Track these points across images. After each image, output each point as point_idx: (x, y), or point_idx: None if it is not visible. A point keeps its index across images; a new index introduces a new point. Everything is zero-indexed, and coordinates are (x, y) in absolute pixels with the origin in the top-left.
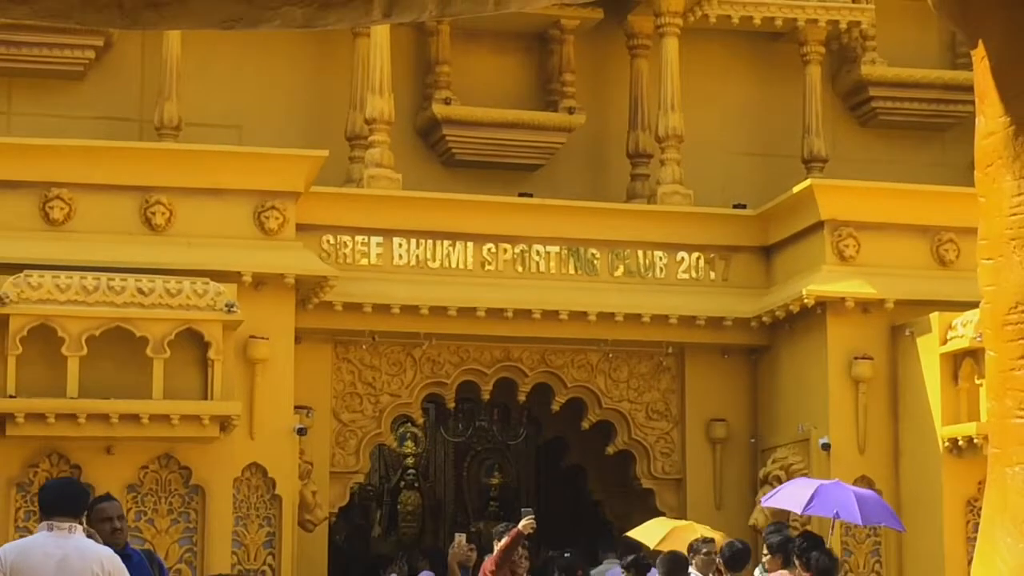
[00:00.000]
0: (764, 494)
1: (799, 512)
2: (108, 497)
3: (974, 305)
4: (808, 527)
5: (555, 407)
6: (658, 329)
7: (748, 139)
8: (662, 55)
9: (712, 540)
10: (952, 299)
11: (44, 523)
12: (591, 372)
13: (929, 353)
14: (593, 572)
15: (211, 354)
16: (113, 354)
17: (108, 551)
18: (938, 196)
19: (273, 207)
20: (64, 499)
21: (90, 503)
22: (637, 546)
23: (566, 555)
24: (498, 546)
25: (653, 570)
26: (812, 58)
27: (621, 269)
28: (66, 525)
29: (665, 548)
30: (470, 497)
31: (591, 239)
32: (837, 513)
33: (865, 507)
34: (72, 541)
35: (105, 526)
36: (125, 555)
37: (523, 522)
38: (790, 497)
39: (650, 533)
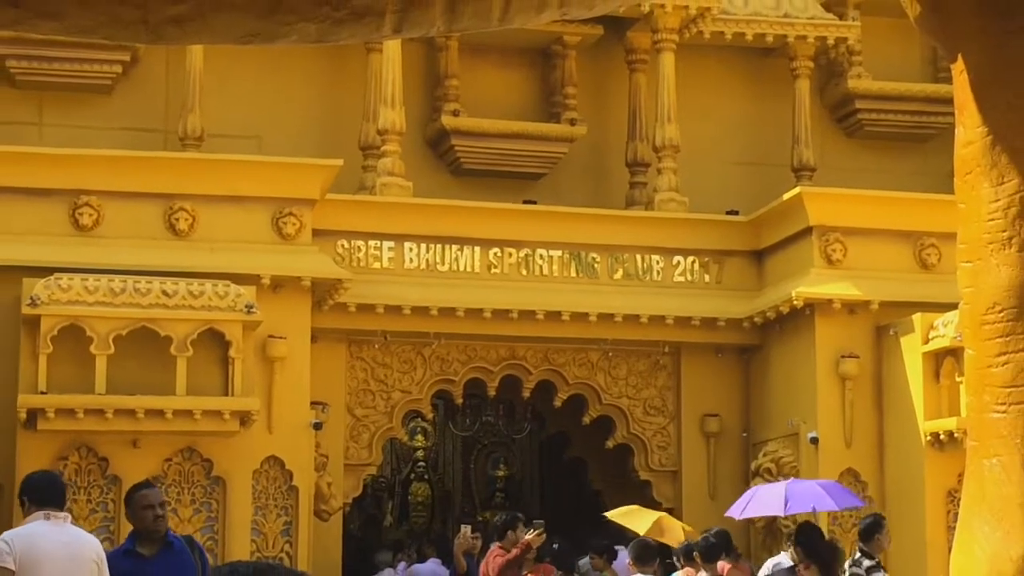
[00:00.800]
0: (757, 484)
1: (782, 514)
2: (148, 484)
3: (954, 306)
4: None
5: (557, 403)
6: (655, 329)
7: (741, 149)
8: (659, 69)
9: None
10: (934, 300)
11: (40, 513)
12: (592, 370)
13: (912, 352)
14: (580, 562)
15: (231, 353)
16: (139, 353)
17: (95, 540)
18: (920, 203)
19: (290, 213)
20: (54, 491)
21: (129, 490)
22: (624, 535)
23: (554, 546)
24: (508, 553)
25: (622, 554)
26: (801, 72)
27: (620, 272)
28: (62, 515)
29: (653, 536)
30: (477, 488)
31: (592, 244)
32: (814, 507)
33: (832, 493)
34: (68, 530)
35: (148, 513)
36: (167, 542)
37: (531, 535)
38: (766, 503)
39: (634, 520)
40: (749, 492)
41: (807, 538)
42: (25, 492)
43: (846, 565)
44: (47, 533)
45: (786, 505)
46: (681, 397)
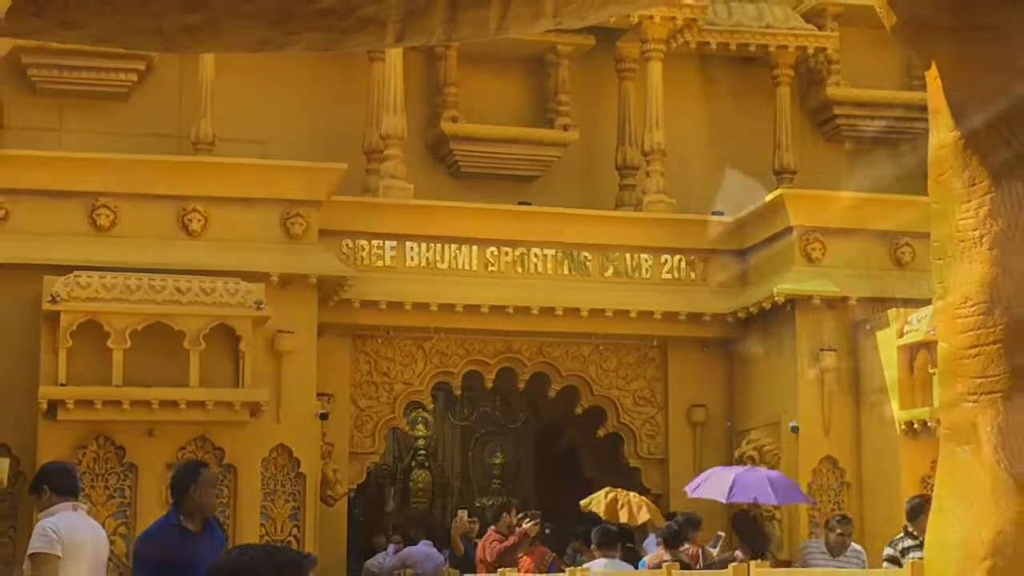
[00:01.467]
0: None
1: (724, 501)
2: (205, 463)
3: (928, 302)
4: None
5: (551, 394)
6: (644, 324)
7: (725, 153)
8: (647, 78)
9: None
10: (908, 297)
11: (68, 503)
12: (584, 363)
13: (887, 345)
14: (570, 547)
15: (242, 347)
16: (154, 347)
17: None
18: (896, 204)
19: (298, 214)
20: (73, 481)
21: (189, 467)
22: (605, 521)
23: (546, 531)
24: (506, 540)
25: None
26: (782, 80)
27: (611, 270)
28: (85, 506)
29: (607, 513)
30: (475, 475)
31: (584, 243)
32: (755, 498)
33: (777, 488)
34: (90, 520)
35: (213, 492)
36: (207, 520)
37: (528, 524)
38: (714, 487)
39: (599, 504)
40: (707, 472)
41: (742, 526)
42: (46, 481)
43: (886, 546)
44: (80, 520)
45: (729, 493)
46: (668, 388)
